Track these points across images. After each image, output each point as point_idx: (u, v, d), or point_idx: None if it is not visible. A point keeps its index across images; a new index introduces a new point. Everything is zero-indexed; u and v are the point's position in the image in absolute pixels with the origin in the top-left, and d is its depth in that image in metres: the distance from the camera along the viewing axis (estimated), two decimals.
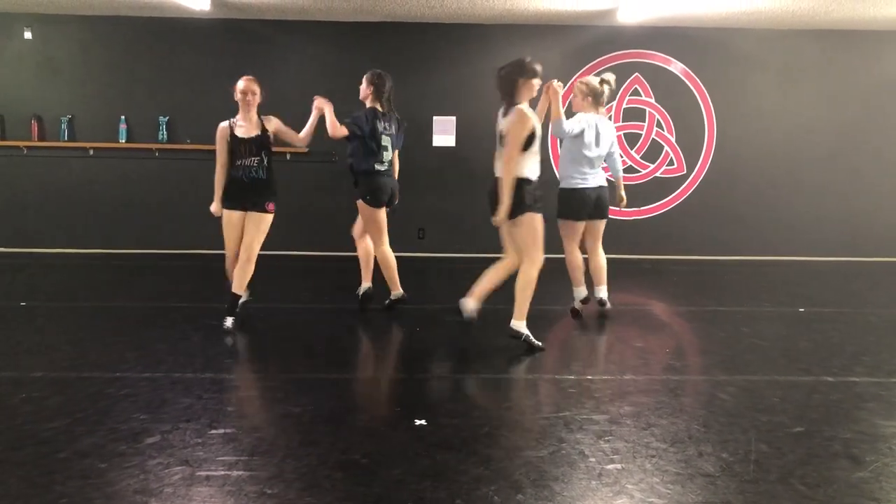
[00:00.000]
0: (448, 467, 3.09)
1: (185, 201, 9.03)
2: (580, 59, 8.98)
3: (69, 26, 8.72)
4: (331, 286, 7.27)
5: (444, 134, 9.05)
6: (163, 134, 8.84)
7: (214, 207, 5.45)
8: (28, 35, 8.70)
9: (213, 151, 8.78)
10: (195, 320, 5.60)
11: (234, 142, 5.38)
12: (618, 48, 8.96)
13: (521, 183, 4.74)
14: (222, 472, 3.00)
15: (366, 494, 2.85)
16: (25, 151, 8.84)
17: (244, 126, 5.43)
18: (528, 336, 4.89)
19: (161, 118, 8.83)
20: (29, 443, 3.27)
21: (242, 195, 5.37)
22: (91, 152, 8.89)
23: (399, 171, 6.17)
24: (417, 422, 3.61)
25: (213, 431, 3.45)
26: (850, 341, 5.31)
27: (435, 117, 9.03)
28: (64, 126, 8.78)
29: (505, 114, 4.88)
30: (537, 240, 4.84)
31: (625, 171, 9.10)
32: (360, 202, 5.77)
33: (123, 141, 8.85)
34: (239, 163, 5.37)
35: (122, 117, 8.83)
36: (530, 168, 4.81)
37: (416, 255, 9.02)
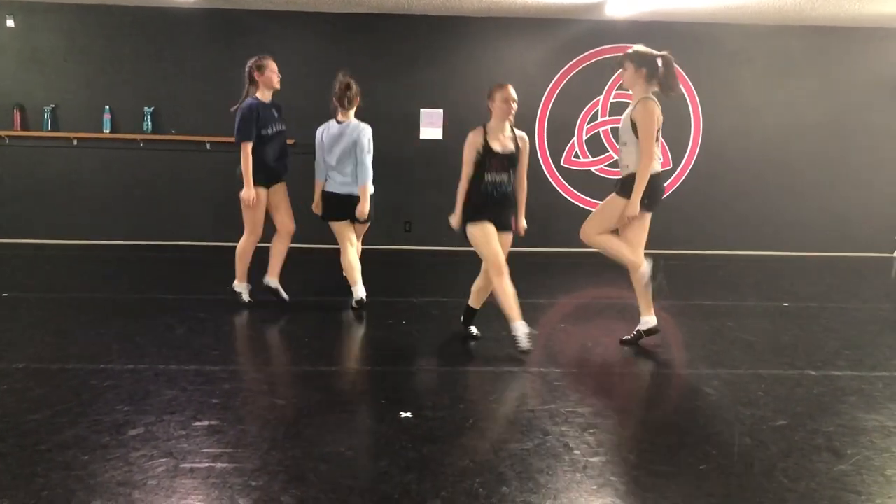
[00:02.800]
0: (433, 460, 3.10)
1: (169, 193, 8.97)
2: (568, 54, 8.98)
3: (53, 14, 8.61)
4: (316, 279, 7.24)
5: (431, 127, 9.03)
6: (147, 124, 8.77)
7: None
8: (10, 23, 8.59)
9: (198, 142, 8.83)
10: (180, 312, 5.57)
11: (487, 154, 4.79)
12: (605, 42, 8.95)
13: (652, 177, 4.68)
14: (206, 465, 2.99)
15: (351, 487, 2.85)
16: (7, 141, 8.75)
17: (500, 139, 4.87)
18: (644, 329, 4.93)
19: (146, 109, 8.75)
20: (10, 434, 3.25)
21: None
22: (75, 142, 8.81)
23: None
24: (403, 414, 3.61)
25: (198, 423, 3.43)
26: (833, 336, 5.36)
27: (422, 110, 9.00)
28: (47, 116, 8.68)
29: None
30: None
31: (612, 164, 9.15)
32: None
33: (108, 131, 8.76)
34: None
35: (107, 107, 8.74)
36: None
37: (403, 248, 9.00)
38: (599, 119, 9.11)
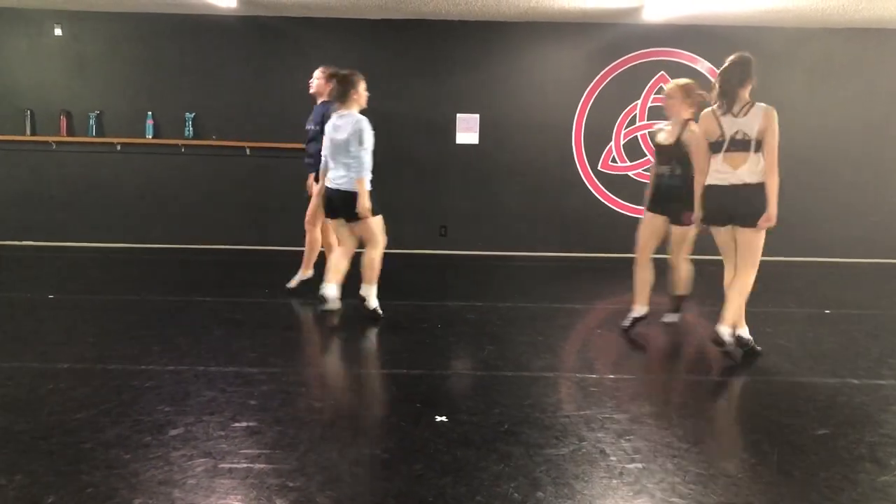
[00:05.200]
0: (468, 464, 3.10)
1: (210, 197, 9.11)
2: (605, 58, 8.94)
3: (98, 23, 8.82)
4: (353, 282, 7.28)
5: (467, 131, 9.05)
6: (189, 130, 8.92)
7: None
8: (58, 31, 8.82)
9: (238, 147, 8.96)
10: (219, 315, 5.65)
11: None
12: (643, 46, 8.90)
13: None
14: (245, 465, 3.03)
15: (386, 489, 2.87)
16: (54, 146, 8.97)
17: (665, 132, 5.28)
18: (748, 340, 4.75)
19: (187, 114, 8.91)
20: (55, 433, 3.32)
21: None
22: (118, 148, 9.00)
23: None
24: (438, 418, 3.62)
25: (236, 424, 3.48)
26: (876, 343, 5.25)
27: (458, 115, 9.02)
28: (92, 122, 8.89)
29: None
30: (726, 250, 4.99)
31: (649, 169, 9.05)
32: None
33: (150, 137, 8.94)
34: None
35: (150, 113, 8.92)
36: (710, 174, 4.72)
37: (438, 252, 9.02)
38: (637, 123, 9.04)
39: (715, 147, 4.64)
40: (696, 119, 5.00)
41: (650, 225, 5.27)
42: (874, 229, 9.15)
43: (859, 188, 9.10)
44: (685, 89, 5.11)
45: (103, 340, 4.93)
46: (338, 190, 5.35)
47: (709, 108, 4.72)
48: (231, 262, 8.30)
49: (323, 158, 5.54)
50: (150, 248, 8.95)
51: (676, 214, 5.10)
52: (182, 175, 9.07)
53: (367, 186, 5.27)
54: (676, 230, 5.19)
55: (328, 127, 5.44)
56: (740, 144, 4.59)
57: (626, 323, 5.31)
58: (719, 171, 4.63)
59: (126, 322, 5.46)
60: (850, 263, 8.98)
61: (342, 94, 5.39)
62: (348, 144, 5.25)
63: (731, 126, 4.60)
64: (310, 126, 6.19)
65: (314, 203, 6.14)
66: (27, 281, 7.08)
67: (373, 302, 5.54)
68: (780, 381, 4.35)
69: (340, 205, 5.38)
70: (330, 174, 5.44)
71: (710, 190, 4.68)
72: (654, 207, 5.25)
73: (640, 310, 5.30)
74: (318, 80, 6.27)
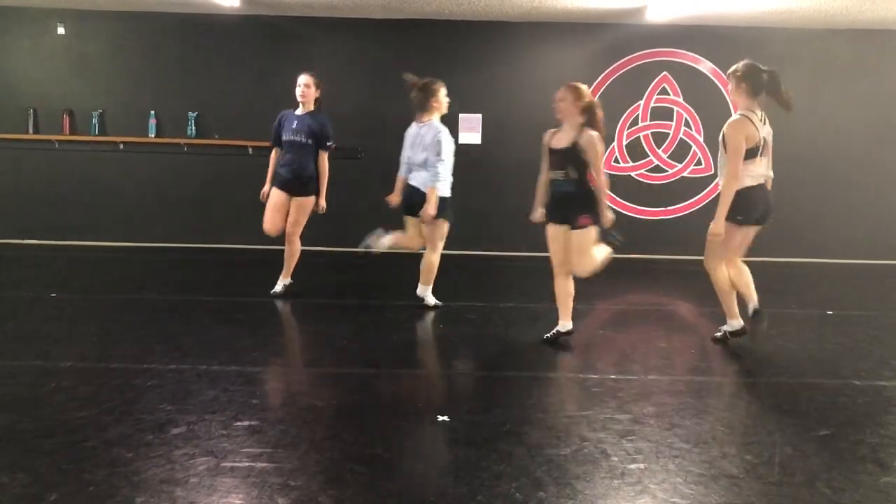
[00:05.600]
0: (470, 463, 3.10)
1: (212, 196, 9.11)
2: (608, 58, 8.93)
3: (101, 22, 8.83)
4: (355, 282, 7.30)
5: (469, 131, 9.04)
6: (191, 129, 8.92)
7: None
8: (61, 30, 8.83)
9: (240, 147, 8.95)
10: (221, 314, 5.65)
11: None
12: (646, 47, 8.89)
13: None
14: (246, 464, 3.04)
15: (388, 489, 2.87)
16: (57, 145, 8.97)
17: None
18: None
19: (190, 113, 8.91)
20: (58, 431, 3.33)
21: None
22: (121, 146, 9.00)
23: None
24: (440, 418, 3.62)
25: (238, 423, 3.48)
26: (878, 345, 5.24)
27: (461, 115, 9.01)
28: (95, 121, 8.89)
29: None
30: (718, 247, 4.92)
31: (652, 170, 9.06)
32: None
33: (153, 135, 8.94)
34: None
35: (152, 112, 8.92)
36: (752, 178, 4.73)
37: (440, 252, 8.99)
38: (640, 124, 9.04)
39: (754, 152, 4.68)
40: (587, 124, 4.99)
41: (557, 238, 4.96)
42: (876, 230, 9.14)
43: (862, 189, 9.09)
44: (576, 92, 4.96)
45: (105, 339, 4.94)
46: (418, 190, 5.66)
47: (741, 115, 4.72)
48: (233, 261, 8.30)
49: (402, 165, 5.88)
50: (152, 247, 8.95)
51: (573, 218, 4.85)
52: (184, 174, 9.07)
53: (446, 192, 5.66)
54: (576, 235, 4.85)
55: (408, 135, 5.83)
56: (766, 149, 4.76)
57: (549, 335, 5.05)
58: (764, 171, 4.78)
59: (128, 321, 5.47)
60: (853, 264, 8.96)
61: (422, 103, 5.67)
62: (428, 155, 5.56)
63: (763, 131, 4.73)
64: (297, 138, 6.04)
65: (294, 216, 6.11)
66: (29, 280, 7.08)
67: (430, 300, 6.00)
68: (782, 382, 4.35)
69: (418, 202, 5.63)
70: (411, 180, 5.76)
71: (758, 191, 4.74)
72: (554, 218, 5.00)
73: (565, 325, 5.02)
74: (307, 87, 6.08)
